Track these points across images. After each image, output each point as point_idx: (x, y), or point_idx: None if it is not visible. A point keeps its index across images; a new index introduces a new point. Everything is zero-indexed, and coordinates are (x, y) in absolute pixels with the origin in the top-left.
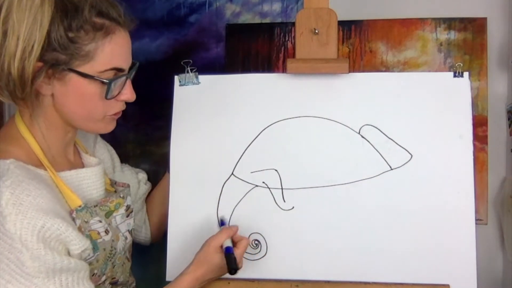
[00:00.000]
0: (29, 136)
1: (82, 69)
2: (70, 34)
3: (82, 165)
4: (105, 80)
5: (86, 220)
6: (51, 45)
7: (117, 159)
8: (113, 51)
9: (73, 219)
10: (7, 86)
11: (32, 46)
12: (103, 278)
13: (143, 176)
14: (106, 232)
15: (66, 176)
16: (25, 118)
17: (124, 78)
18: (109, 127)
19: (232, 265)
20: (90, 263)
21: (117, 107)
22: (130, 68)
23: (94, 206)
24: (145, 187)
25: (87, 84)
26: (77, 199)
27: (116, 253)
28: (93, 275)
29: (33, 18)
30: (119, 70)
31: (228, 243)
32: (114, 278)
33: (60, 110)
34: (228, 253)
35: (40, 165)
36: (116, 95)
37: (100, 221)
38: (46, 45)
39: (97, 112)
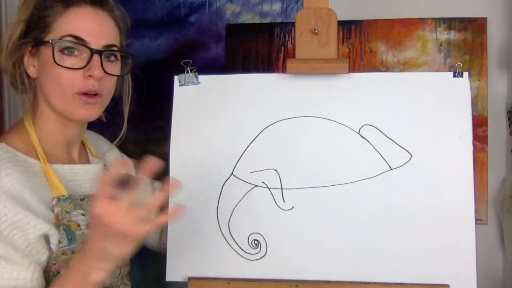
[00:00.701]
0: (30, 127)
1: (45, 39)
2: (42, 13)
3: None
4: (50, 41)
5: (67, 210)
6: (29, 25)
7: (133, 170)
8: (72, 20)
9: (53, 207)
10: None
11: (20, 25)
12: None
13: (157, 184)
14: (88, 226)
15: (58, 168)
16: (30, 111)
17: (88, 51)
18: (86, 112)
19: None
20: (63, 253)
21: (84, 82)
22: (109, 50)
23: (81, 200)
24: None
25: (49, 53)
26: (62, 188)
27: None
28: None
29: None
30: (77, 38)
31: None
32: None
33: (42, 93)
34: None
35: (34, 155)
36: (80, 68)
37: (84, 215)
38: (27, 26)
39: (64, 87)
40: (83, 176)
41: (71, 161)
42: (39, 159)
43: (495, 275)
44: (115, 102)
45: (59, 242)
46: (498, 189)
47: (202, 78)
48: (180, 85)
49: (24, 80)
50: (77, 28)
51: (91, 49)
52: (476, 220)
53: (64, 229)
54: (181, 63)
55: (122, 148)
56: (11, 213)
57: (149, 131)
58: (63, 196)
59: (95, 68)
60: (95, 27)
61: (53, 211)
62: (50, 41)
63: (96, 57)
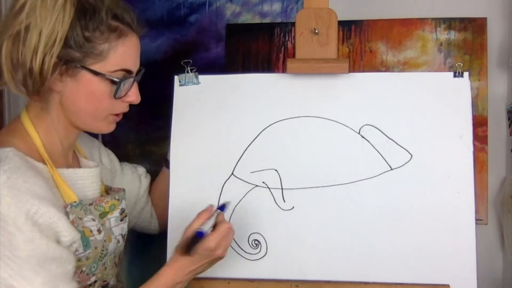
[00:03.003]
0: (32, 131)
1: (94, 67)
2: (87, 33)
3: (80, 168)
4: (115, 79)
5: (80, 216)
6: (67, 42)
7: (116, 160)
8: (124, 53)
9: (67, 213)
10: (24, 81)
11: (54, 42)
12: (93, 278)
13: (142, 170)
14: (99, 231)
15: (64, 172)
16: (31, 114)
17: (132, 80)
18: (110, 127)
19: (190, 245)
20: (79, 259)
21: (121, 107)
22: (138, 72)
23: (89, 204)
24: (146, 180)
25: (98, 82)
26: (73, 194)
27: (107, 253)
28: (81, 272)
29: (56, 16)
30: (127, 71)
31: (204, 228)
32: (105, 281)
33: (67, 108)
34: (199, 236)
35: (39, 159)
36: (123, 96)
37: (94, 220)
38: (63, 42)
39: (102, 110)
40: (84, 180)
41: (69, 165)
42: (44, 163)
43: (495, 275)
44: None
45: (76, 250)
46: (498, 189)
47: (202, 78)
48: (180, 85)
49: (41, 88)
50: (127, 61)
51: (134, 78)
52: (476, 220)
53: (80, 236)
54: (181, 63)
55: (122, 148)
56: (49, 220)
57: (149, 131)
58: (75, 202)
59: (134, 94)
60: (137, 57)
61: (68, 217)
62: (105, 75)
63: (135, 84)
